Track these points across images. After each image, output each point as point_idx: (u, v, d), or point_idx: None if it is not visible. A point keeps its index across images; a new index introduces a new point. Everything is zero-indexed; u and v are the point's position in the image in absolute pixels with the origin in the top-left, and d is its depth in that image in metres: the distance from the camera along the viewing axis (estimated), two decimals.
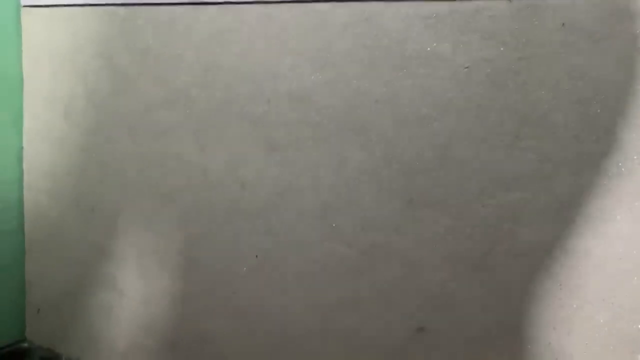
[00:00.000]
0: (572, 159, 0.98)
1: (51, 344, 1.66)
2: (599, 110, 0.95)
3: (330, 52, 1.17)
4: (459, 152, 1.07)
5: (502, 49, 1.01)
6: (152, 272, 1.43)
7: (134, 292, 1.48)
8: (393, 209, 1.14)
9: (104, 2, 1.39)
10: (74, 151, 1.53)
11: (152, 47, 1.36)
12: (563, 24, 0.97)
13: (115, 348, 1.53)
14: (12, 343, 1.64)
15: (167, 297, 1.43)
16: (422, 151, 1.10)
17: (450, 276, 1.10)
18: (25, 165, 1.61)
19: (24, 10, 1.52)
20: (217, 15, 1.28)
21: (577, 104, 0.97)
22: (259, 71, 1.24)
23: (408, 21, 1.09)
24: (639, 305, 0.95)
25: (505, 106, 1.02)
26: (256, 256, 1.30)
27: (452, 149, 1.07)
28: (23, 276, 1.64)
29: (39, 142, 1.58)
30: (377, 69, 1.13)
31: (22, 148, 1.58)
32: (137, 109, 1.41)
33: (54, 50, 1.50)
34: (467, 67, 1.05)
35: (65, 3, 1.45)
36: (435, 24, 1.06)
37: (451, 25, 1.05)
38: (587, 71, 0.96)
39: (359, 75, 1.15)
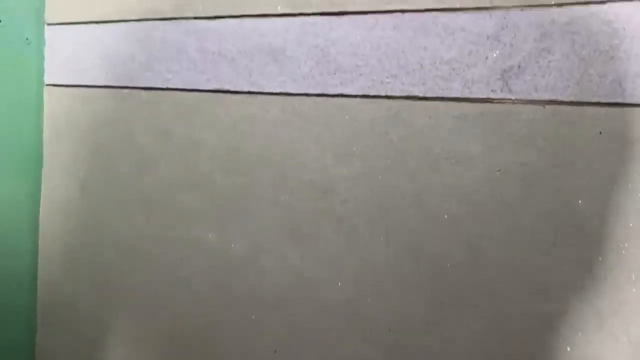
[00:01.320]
0: (613, 270, 0.93)
1: None
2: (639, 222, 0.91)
3: (356, 145, 1.14)
4: (491, 255, 1.03)
5: (536, 153, 0.98)
6: (166, 356, 1.38)
7: None
8: (421, 309, 1.09)
9: (126, 85, 1.39)
10: (90, 227, 1.50)
11: (174, 131, 1.35)
12: (600, 132, 0.94)
13: None
14: None
15: None
16: (452, 250, 1.06)
17: None
18: (40, 239, 1.59)
19: (46, 89, 1.53)
20: (241, 104, 1.26)
21: (617, 214, 0.93)
22: (282, 160, 1.22)
23: (437, 119, 1.06)
24: None
25: (541, 212, 0.98)
26: (275, 351, 1.25)
27: (484, 251, 1.03)
28: (33, 353, 1.59)
29: (55, 215, 1.56)
30: (404, 164, 1.10)
31: (38, 220, 1.55)
32: (157, 190, 1.39)
33: (74, 128, 1.49)
34: (499, 170, 1.01)
35: (88, 83, 1.45)
36: (466, 124, 1.04)
37: (482, 127, 1.02)
38: (626, 181, 0.92)
39: (385, 170, 1.12)
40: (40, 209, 1.60)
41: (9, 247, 1.52)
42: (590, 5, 0.94)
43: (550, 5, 0.96)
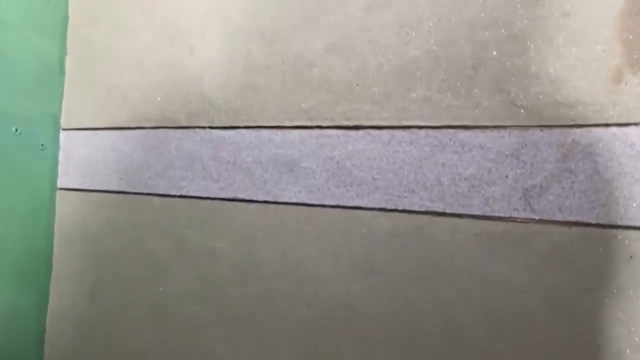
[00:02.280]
0: None
1: None
2: None
3: (374, 259, 1.11)
4: None
5: (564, 276, 0.94)
6: None
7: None
8: None
9: (139, 191, 1.38)
10: (98, 335, 1.45)
11: (187, 238, 1.32)
12: (631, 257, 0.90)
13: None
14: None
15: None
16: None
17: None
18: (46, 347, 1.53)
19: (59, 193, 1.52)
20: (255, 213, 1.24)
21: None
22: (298, 273, 1.18)
23: (458, 236, 1.03)
24: None
25: (574, 338, 0.93)
26: None
27: None
28: None
29: (62, 322, 1.51)
30: (425, 281, 1.05)
31: (44, 329, 1.50)
32: (167, 299, 1.34)
33: (85, 233, 1.47)
34: (526, 293, 0.97)
35: (101, 188, 1.44)
36: (489, 242, 1.00)
37: (506, 246, 0.99)
38: None
39: (406, 286, 1.07)
40: (48, 316, 1.55)
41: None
42: (611, 127, 0.93)
43: (570, 126, 0.96)
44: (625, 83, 0.92)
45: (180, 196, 1.34)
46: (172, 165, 1.35)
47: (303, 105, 1.21)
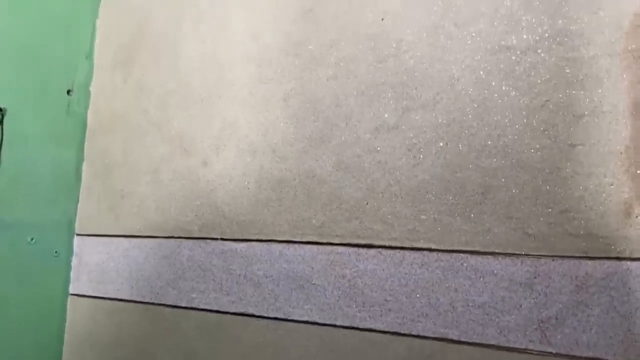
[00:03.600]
0: None
1: None
2: None
3: None
4: None
5: None
6: None
7: None
8: None
9: (150, 301, 1.37)
10: None
11: (196, 352, 1.30)
12: None
13: None
14: None
15: None
16: None
17: None
18: None
19: (71, 298, 1.52)
20: (266, 329, 1.23)
21: None
22: None
23: None
24: None
25: None
26: None
27: None
28: None
29: None
30: None
31: None
32: None
33: (95, 340, 1.46)
34: None
35: (112, 296, 1.44)
36: None
37: None
38: None
39: None
40: None
41: None
42: (624, 261, 0.92)
43: (582, 258, 0.95)
44: (637, 217, 0.92)
45: (191, 308, 1.33)
46: (183, 275, 1.35)
47: (314, 221, 1.22)
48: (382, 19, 1.17)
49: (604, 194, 0.95)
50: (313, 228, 1.22)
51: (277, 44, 1.31)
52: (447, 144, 1.09)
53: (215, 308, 1.30)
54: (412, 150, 1.13)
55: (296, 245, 1.23)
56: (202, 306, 1.32)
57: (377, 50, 1.18)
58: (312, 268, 1.20)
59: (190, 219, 1.37)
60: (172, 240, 1.39)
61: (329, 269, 1.18)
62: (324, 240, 1.20)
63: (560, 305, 0.96)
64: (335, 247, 1.19)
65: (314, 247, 1.21)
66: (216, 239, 1.33)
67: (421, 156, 1.11)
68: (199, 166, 1.38)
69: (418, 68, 1.13)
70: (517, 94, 1.04)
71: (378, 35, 1.18)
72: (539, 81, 1.02)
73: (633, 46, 0.95)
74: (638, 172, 0.93)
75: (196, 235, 1.36)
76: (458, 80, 1.09)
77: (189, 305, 1.33)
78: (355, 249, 1.16)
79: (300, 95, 1.27)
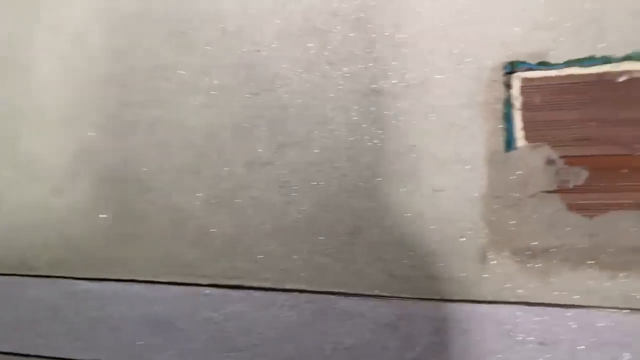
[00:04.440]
0: None
1: None
2: None
3: None
4: None
5: None
6: None
7: None
8: None
9: None
10: None
11: None
12: None
13: None
14: None
15: None
16: None
17: None
18: None
19: None
20: None
21: None
22: None
23: None
24: None
25: None
26: None
27: None
28: None
29: None
30: None
31: None
32: None
33: None
34: None
35: None
36: None
37: None
38: None
39: None
40: None
41: None
42: (481, 304, 0.96)
43: (442, 300, 0.98)
44: (491, 262, 0.98)
45: (36, 356, 1.17)
46: (27, 318, 1.19)
47: (180, 259, 1.14)
48: (258, 50, 1.13)
49: (462, 239, 0.99)
50: (179, 267, 1.14)
51: (144, 65, 1.21)
52: (320, 182, 1.08)
53: (63, 355, 1.16)
54: (285, 188, 1.10)
55: (159, 286, 1.14)
56: (48, 353, 1.17)
57: (252, 81, 1.13)
58: (177, 311, 1.12)
59: (37, 254, 1.21)
60: (16, 278, 1.22)
61: (195, 311, 1.11)
62: (191, 281, 1.13)
63: (420, 348, 0.98)
64: (202, 288, 1.12)
65: (179, 288, 1.13)
66: (67, 277, 1.19)
67: (294, 194, 1.09)
68: (49, 194, 1.23)
69: (293, 104, 1.10)
70: (386, 137, 1.05)
71: (253, 67, 1.14)
72: (406, 126, 1.04)
73: (490, 99, 1.01)
74: (493, 219, 0.98)
75: (44, 273, 1.20)
76: (332, 119, 1.08)
77: (33, 353, 1.17)
78: (224, 290, 1.10)
79: (168, 122, 1.18)
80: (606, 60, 0.97)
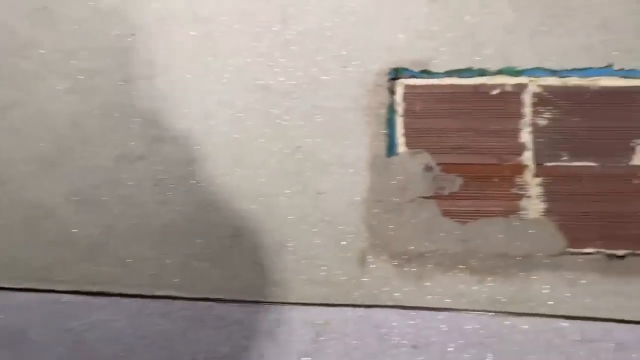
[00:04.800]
0: None
1: None
2: None
3: None
4: None
5: None
6: None
7: None
8: None
9: None
10: None
11: None
12: None
13: None
14: None
15: None
16: None
17: None
18: None
19: None
20: None
21: None
22: None
23: None
24: None
25: None
26: None
27: None
28: None
29: None
30: None
31: None
32: None
33: None
34: None
35: None
36: None
37: None
38: None
39: None
40: None
41: None
42: (358, 308, 0.96)
43: (322, 305, 0.97)
44: (370, 265, 0.98)
45: None
46: None
47: (35, 263, 1.01)
48: (134, 34, 1.03)
49: (343, 243, 0.98)
50: (33, 271, 1.01)
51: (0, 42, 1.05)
52: (198, 182, 1.01)
53: None
54: (160, 185, 1.01)
55: (8, 293, 1.00)
56: None
57: (125, 67, 1.03)
58: (29, 320, 0.99)
59: None
60: None
61: (50, 321, 0.99)
62: (46, 287, 1.00)
63: (300, 354, 0.95)
64: (60, 295, 1.00)
65: (33, 294, 1.00)
66: None
67: (170, 193, 1.01)
68: None
69: (171, 95, 1.02)
70: (272, 136, 1.01)
71: (127, 52, 1.03)
72: (292, 126, 1.01)
73: (374, 104, 1.01)
74: (373, 223, 0.98)
75: None
76: (214, 114, 1.02)
77: None
78: (87, 297, 1.00)
79: (26, 106, 1.04)
80: (482, 72, 1.01)
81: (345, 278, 0.98)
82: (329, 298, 0.98)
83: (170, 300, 0.99)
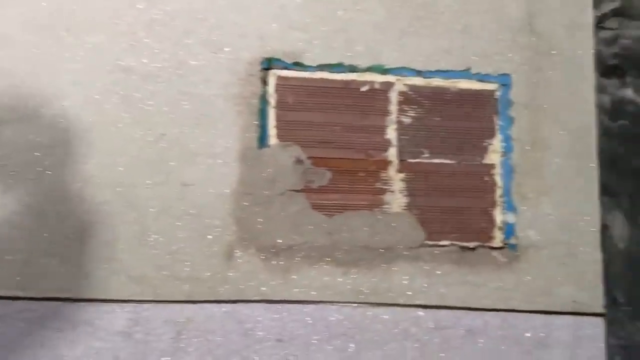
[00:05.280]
0: None
1: None
2: None
3: None
4: None
5: None
6: None
7: None
8: None
9: None
10: None
11: None
12: None
13: None
14: None
15: None
16: None
17: None
18: None
19: None
20: None
21: None
22: None
23: None
24: None
25: None
26: None
27: None
28: None
29: None
30: None
31: None
32: None
33: None
34: None
35: None
36: None
37: None
38: None
39: None
40: None
41: None
42: (223, 303, 0.93)
43: (185, 302, 0.92)
44: (237, 260, 0.95)
45: None
46: None
47: None
48: None
49: (210, 236, 0.94)
50: None
51: None
52: (47, 169, 0.91)
53: None
54: (0, 173, 0.90)
55: None
56: None
57: None
58: None
59: None
60: None
61: None
62: None
63: (158, 353, 0.90)
64: None
65: None
66: None
67: (11, 180, 0.89)
68: None
69: (18, 72, 0.91)
70: (133, 122, 0.94)
71: None
72: (156, 112, 0.95)
73: (246, 93, 0.98)
74: (242, 216, 0.95)
75: None
76: (67, 95, 0.92)
77: None
78: None
79: None
80: (353, 69, 1.03)
81: (210, 273, 0.94)
82: (192, 295, 0.94)
83: (9, 301, 0.88)
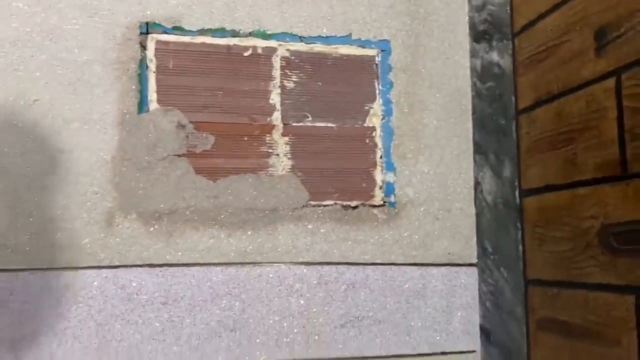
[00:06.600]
0: None
1: None
2: None
3: None
4: None
5: None
6: None
7: None
8: None
9: None
10: None
11: None
12: None
13: None
14: None
15: None
16: None
17: None
18: None
19: None
20: None
21: None
22: None
23: None
24: None
25: None
26: None
27: None
28: None
29: None
30: None
31: None
32: None
33: None
34: None
35: None
36: None
37: None
38: None
39: None
40: None
41: None
42: (103, 269, 0.93)
43: (63, 269, 0.91)
44: (117, 226, 0.95)
45: None
46: None
47: None
48: None
49: (89, 203, 0.94)
50: None
51: None
52: None
53: None
54: None
55: None
56: None
57: None
58: None
59: None
60: None
61: None
62: None
63: (37, 322, 0.89)
64: None
65: None
66: None
67: None
68: None
69: None
70: (4, 89, 0.91)
71: None
72: (27, 78, 0.92)
73: (124, 58, 0.97)
74: (122, 182, 0.95)
75: None
76: None
77: None
78: None
79: None
80: (235, 34, 1.04)
81: (89, 239, 0.94)
82: (71, 262, 0.93)
83: None
